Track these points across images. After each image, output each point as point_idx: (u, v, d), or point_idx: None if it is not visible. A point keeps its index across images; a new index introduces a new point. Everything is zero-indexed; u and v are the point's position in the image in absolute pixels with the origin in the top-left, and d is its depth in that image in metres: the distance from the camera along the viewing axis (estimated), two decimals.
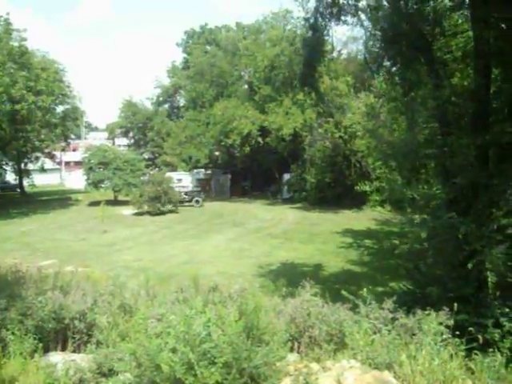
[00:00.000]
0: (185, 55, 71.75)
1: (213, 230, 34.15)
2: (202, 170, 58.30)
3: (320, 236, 30.63)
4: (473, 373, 7.50)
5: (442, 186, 13.19)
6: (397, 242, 13.51)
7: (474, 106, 11.97)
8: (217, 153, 58.73)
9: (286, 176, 51.29)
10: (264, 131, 47.11)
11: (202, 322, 5.52)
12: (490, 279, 10.76)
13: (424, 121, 14.74)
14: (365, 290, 8.53)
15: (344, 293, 8.93)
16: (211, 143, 54.21)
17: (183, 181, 53.25)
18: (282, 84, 46.82)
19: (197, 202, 47.49)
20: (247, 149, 49.43)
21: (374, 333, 7.58)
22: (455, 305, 8.49)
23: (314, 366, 6.51)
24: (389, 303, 8.21)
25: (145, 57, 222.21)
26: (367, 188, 17.55)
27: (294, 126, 44.04)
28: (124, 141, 79.11)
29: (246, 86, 56.76)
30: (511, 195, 10.67)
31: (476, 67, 12.41)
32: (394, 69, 15.25)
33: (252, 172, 59.68)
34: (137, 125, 71.75)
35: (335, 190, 43.33)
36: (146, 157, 67.23)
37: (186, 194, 47.90)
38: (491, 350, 8.56)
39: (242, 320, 5.76)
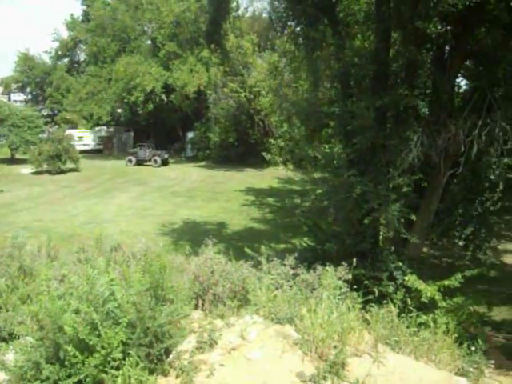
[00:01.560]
0: (84, 7, 68.36)
1: (116, 188, 33.48)
2: (104, 127, 56.53)
3: (223, 194, 30.79)
4: (368, 323, 7.91)
5: (343, 145, 13.54)
6: (298, 200, 13.80)
7: (374, 68, 12.29)
8: (119, 110, 57.10)
9: (190, 134, 50.78)
10: (168, 88, 46.22)
11: (105, 282, 5.44)
12: (384, 235, 11.25)
13: (327, 81, 15.00)
14: (267, 247, 8.70)
15: (247, 250, 9.08)
16: (113, 100, 52.37)
17: (84, 139, 51.41)
18: (187, 41, 45.90)
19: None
20: (150, 106, 48.40)
21: (277, 288, 7.76)
22: (353, 260, 8.85)
23: (218, 322, 6.59)
24: (290, 260, 8.40)
25: (42, 7, 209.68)
26: (272, 141, 17.69)
27: (198, 84, 43.47)
28: (21, 96, 74.94)
29: (150, 42, 55.16)
30: (407, 155, 11.11)
31: (377, 30, 12.71)
32: (298, 29, 15.35)
33: (155, 130, 58.64)
34: (34, 80, 67.95)
35: (239, 149, 43.49)
36: (45, 113, 63.93)
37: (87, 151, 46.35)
38: (385, 301, 9.04)
39: (146, 279, 5.73)
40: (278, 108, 31.14)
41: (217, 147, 45.63)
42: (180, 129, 53.00)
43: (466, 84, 14.32)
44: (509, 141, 11.14)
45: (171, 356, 5.68)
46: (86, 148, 48.25)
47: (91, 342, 4.84)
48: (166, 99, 47.12)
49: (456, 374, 8.33)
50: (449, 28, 12.17)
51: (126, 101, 49.58)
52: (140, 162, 44.44)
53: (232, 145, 44.13)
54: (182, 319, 6.02)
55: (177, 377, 5.53)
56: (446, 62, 12.47)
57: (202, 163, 46.26)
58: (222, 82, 45.02)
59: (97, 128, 56.21)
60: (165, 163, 44.47)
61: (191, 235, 19.53)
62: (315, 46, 14.03)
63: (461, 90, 14.22)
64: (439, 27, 12.21)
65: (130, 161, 44.87)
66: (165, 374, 5.54)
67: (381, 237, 11.37)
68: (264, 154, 40.64)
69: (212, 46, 19.53)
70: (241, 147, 43.49)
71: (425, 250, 15.44)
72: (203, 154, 47.74)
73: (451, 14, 11.00)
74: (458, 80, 13.64)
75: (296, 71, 22.65)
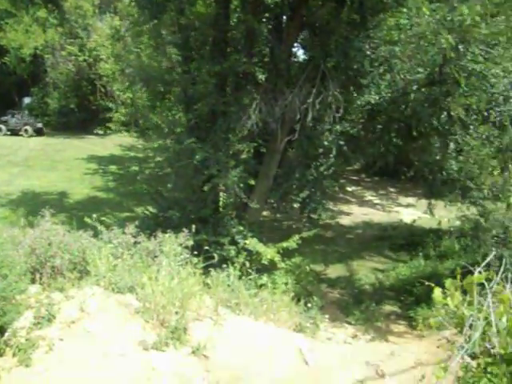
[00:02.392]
0: None
1: None
2: None
3: (64, 163, 29.44)
4: (210, 288, 8.05)
5: (184, 112, 13.49)
6: (139, 167, 13.59)
7: (214, 34, 12.30)
8: None
9: (27, 100, 47.61)
10: (1, 50, 42.89)
11: None
12: (225, 200, 11.44)
13: (169, 46, 14.77)
14: (109, 216, 8.50)
15: (87, 220, 8.81)
16: None
17: None
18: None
19: None
20: None
21: (117, 258, 7.64)
22: (193, 226, 8.91)
23: (57, 295, 6.35)
24: (131, 228, 8.28)
25: None
26: (110, 105, 17.16)
27: (34, 46, 40.84)
28: None
29: None
30: (246, 122, 11.32)
31: None
32: None
33: None
34: None
35: (80, 115, 41.66)
36: None
37: None
38: (225, 265, 9.25)
39: None
40: (121, 74, 30.32)
41: (56, 113, 43.32)
42: (15, 94, 49.59)
43: (303, 54, 14.83)
44: (341, 109, 11.77)
45: (6, 334, 5.39)
46: None
47: None
48: None
49: (294, 330, 8.80)
50: None
51: None
52: (13, 132, 39.92)
53: (72, 111, 42.17)
54: (17, 295, 5.72)
55: (14, 355, 5.26)
56: (283, 31, 12.81)
57: None
58: (60, 44, 42.70)
59: None
60: (40, 133, 40.41)
61: (30, 206, 18.52)
62: (158, 10, 13.71)
63: (300, 60, 14.66)
64: None
65: (0, 130, 40.43)
66: (0, 353, 5.26)
67: (221, 202, 11.54)
68: (107, 122, 39.26)
69: (49, 5, 18.34)
70: (82, 114, 41.66)
71: (266, 214, 15.99)
72: (42, 120, 45.16)
73: None
74: (295, 50, 14.10)
75: (138, 36, 22.00)
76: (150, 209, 13.20)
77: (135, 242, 8.05)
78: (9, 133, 39.73)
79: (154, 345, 5.85)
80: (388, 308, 12.88)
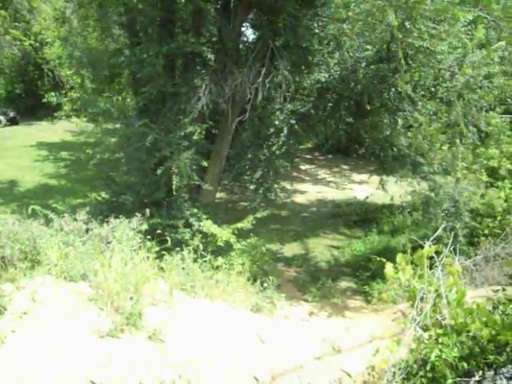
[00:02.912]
0: None
1: None
2: None
3: (12, 150, 28.62)
4: (164, 272, 8.02)
5: (134, 95, 13.32)
6: (91, 151, 13.33)
7: (159, 14, 12.09)
8: None
9: None
10: None
11: None
12: (178, 183, 11.35)
13: (115, 29, 14.53)
14: (60, 203, 8.35)
15: (36, 207, 8.63)
16: None
17: None
18: None
19: None
20: None
21: (69, 246, 7.53)
22: (147, 210, 8.84)
23: (8, 286, 6.23)
24: (82, 214, 8.16)
25: None
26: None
27: None
28: None
29: None
30: (196, 103, 11.23)
31: None
32: None
33: None
34: None
35: (27, 101, 40.59)
36: None
37: None
38: (178, 248, 9.23)
39: None
40: (69, 57, 29.58)
41: (2, 100, 42.16)
42: None
43: (253, 33, 14.76)
44: (291, 88, 11.80)
45: None
46: None
47: None
48: None
49: (251, 310, 8.86)
50: None
51: None
52: None
53: (19, 97, 41.09)
54: None
55: None
56: (231, 11, 12.70)
57: None
58: (5, 28, 41.42)
59: None
60: (15, 122, 37.96)
61: None
62: None
63: (249, 40, 14.58)
64: None
65: None
66: None
67: (174, 185, 11.45)
68: (49, 96, 37.85)
69: None
70: (29, 99, 40.55)
71: (221, 195, 16.00)
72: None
73: None
74: (244, 29, 14.01)
75: (84, 18, 21.52)
76: (103, 194, 13.01)
77: (87, 229, 7.96)
78: None
79: (110, 332, 5.80)
80: (344, 284, 13.11)
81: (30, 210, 8.69)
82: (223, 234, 11.38)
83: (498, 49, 11.36)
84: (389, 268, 5.09)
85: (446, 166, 12.54)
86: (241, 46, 13.45)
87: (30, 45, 39.49)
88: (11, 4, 35.98)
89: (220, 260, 10.51)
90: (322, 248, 15.57)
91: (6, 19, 39.97)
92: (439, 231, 6.49)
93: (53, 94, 16.78)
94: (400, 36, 10.58)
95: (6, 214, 7.75)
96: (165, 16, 12.11)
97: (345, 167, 24.33)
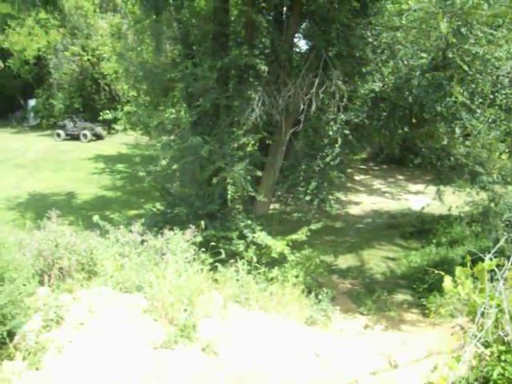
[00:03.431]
0: None
1: None
2: None
3: (71, 163, 29.50)
4: (218, 283, 8.03)
5: (187, 108, 13.46)
6: (149, 165, 13.58)
7: (213, 28, 12.24)
8: None
9: (32, 102, 47.65)
10: (4, 54, 42.97)
11: None
12: (232, 194, 11.42)
13: (169, 43, 14.75)
14: (117, 214, 8.48)
15: (95, 218, 8.81)
16: None
17: None
18: (23, 2, 42.61)
19: None
20: None
21: (125, 257, 7.63)
22: (202, 222, 8.90)
23: (66, 297, 6.36)
24: (137, 226, 8.25)
25: None
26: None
27: (37, 48, 40.91)
28: None
29: None
30: (250, 115, 11.26)
31: None
32: None
33: None
34: None
35: (85, 115, 41.72)
36: None
37: None
38: (232, 260, 9.22)
39: None
40: (125, 72, 30.26)
41: (62, 114, 43.42)
42: (21, 96, 49.71)
43: (305, 44, 14.72)
44: (344, 98, 11.69)
45: (16, 338, 5.39)
46: None
47: None
48: (2, 65, 43.80)
49: (305, 322, 8.78)
50: None
51: None
52: (72, 137, 38.87)
53: (78, 111, 42.24)
54: (25, 297, 5.73)
55: (24, 359, 5.26)
56: (283, 22, 12.73)
57: (47, 132, 43.81)
58: (63, 45, 42.73)
59: None
60: (99, 138, 39.31)
61: (39, 208, 18.58)
62: (158, 7, 13.65)
63: (302, 51, 14.56)
64: None
65: (58, 135, 39.24)
66: (10, 357, 5.25)
67: (229, 196, 11.52)
68: (104, 113, 38.73)
69: (48, 7, 18.33)
70: (87, 113, 41.71)
71: (275, 206, 15.97)
72: (47, 122, 45.15)
73: None
74: (296, 40, 14.00)
75: (139, 33, 21.97)
76: (158, 205, 13.19)
77: (142, 241, 8.04)
78: (68, 137, 39.07)
79: (164, 343, 5.84)
80: (400, 297, 12.85)
81: (94, 220, 8.88)
82: (277, 245, 11.35)
83: None
84: (447, 281, 4.92)
85: (505, 176, 12.17)
86: (294, 56, 13.44)
87: (88, 60, 40.60)
88: (69, 22, 37.05)
89: (274, 272, 10.45)
90: (378, 260, 15.34)
91: (64, 36, 41.28)
92: (501, 243, 6.25)
93: (107, 111, 17.01)
94: (455, 42, 10.38)
95: (64, 225, 7.89)
96: (218, 29, 12.25)
97: (400, 177, 23.98)
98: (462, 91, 10.83)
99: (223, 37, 12.35)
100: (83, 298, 6.39)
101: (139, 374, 5.32)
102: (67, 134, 39.13)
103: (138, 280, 7.02)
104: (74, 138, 38.85)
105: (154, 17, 13.98)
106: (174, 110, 17.56)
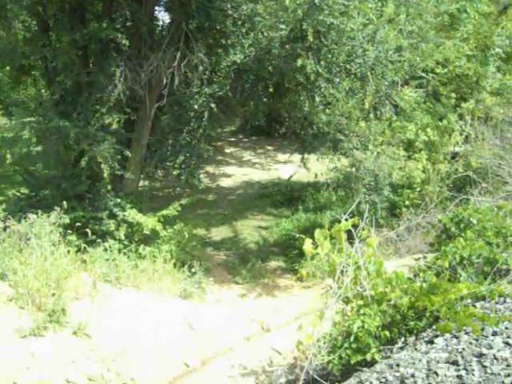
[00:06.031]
0: None
1: None
2: None
3: None
4: (87, 264, 7.88)
5: (48, 86, 12.87)
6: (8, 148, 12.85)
7: (69, 0, 11.68)
8: None
9: None
10: None
11: None
12: (100, 174, 11.18)
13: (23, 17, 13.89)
14: None
15: None
16: None
17: None
18: None
19: None
20: None
21: None
22: (64, 203, 8.60)
23: None
24: None
25: None
26: None
27: None
28: None
29: None
30: (113, 91, 10.98)
31: None
32: None
33: None
34: None
35: None
36: None
37: None
38: (99, 240, 9.08)
39: None
40: None
41: None
42: None
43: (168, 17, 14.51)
44: (207, 71, 11.74)
45: None
46: None
47: None
48: None
49: (180, 296, 8.85)
50: None
51: None
52: None
53: None
54: None
55: None
56: None
57: None
58: None
59: None
60: None
61: None
62: None
63: (164, 24, 14.33)
64: None
65: None
66: None
67: (105, 174, 11.25)
68: None
69: None
70: None
71: (145, 183, 15.78)
72: None
73: None
74: (160, 13, 13.81)
75: None
76: (22, 190, 12.56)
77: (6, 227, 7.70)
78: None
79: (32, 331, 5.69)
80: (274, 264, 13.23)
81: None
82: (149, 222, 11.28)
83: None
84: (307, 244, 5.15)
85: (364, 142, 12.80)
86: (156, 30, 13.25)
87: None
88: None
89: (147, 249, 10.40)
90: (251, 229, 15.65)
91: None
92: (354, 205, 6.65)
93: None
94: (310, 14, 10.68)
95: None
96: (73, 2, 11.69)
97: (269, 148, 24.37)
98: (318, 61, 11.19)
99: (79, 9, 11.81)
100: None
101: (7, 365, 5.15)
102: None
103: (1, 268, 6.75)
104: None
105: None
106: (35, 88, 16.73)
